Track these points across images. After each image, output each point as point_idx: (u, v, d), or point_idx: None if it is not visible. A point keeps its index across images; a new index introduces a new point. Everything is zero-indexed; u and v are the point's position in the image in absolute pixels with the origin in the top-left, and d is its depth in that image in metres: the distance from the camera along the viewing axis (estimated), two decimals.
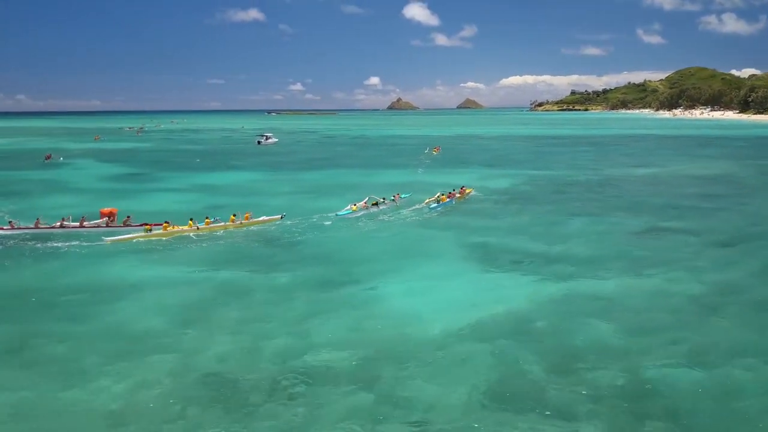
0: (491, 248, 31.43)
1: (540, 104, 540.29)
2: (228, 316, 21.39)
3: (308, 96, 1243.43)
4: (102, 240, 33.14)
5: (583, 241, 32.87)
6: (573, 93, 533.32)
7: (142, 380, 16.37)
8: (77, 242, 32.95)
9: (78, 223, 36.15)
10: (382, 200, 43.90)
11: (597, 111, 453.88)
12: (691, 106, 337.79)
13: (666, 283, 25.10)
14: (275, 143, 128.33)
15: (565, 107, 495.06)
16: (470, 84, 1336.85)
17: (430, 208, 43.20)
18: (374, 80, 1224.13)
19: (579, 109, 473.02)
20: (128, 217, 37.00)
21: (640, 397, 15.32)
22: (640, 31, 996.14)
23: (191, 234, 34.97)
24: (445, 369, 16.98)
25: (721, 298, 23.17)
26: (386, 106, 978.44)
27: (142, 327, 20.38)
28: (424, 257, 29.86)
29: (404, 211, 42.31)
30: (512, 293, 23.71)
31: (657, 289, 24.33)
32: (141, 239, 33.88)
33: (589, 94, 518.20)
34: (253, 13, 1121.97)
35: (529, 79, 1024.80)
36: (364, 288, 24.76)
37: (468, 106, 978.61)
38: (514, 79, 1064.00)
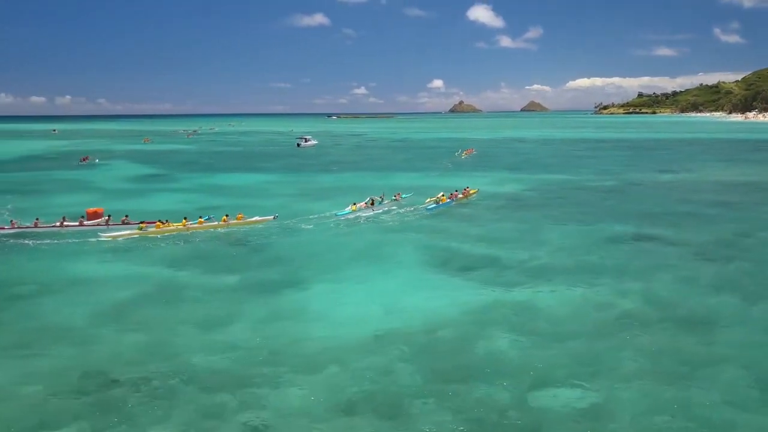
0: (452, 254, 30.78)
1: (605, 107, 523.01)
2: (145, 315, 21.92)
3: (371, 99, 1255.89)
4: (98, 236, 34.83)
5: (550, 249, 31.58)
6: (640, 95, 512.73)
7: (31, 372, 17.10)
8: (66, 240, 34.31)
9: (78, 222, 37.86)
10: (380, 199, 44.33)
11: (665, 114, 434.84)
12: (766, 109, 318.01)
13: (610, 296, 23.74)
14: (314, 146, 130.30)
15: (631, 110, 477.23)
16: (536, 86, 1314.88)
17: (427, 209, 43.44)
18: (437, 83, 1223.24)
19: (646, 113, 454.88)
20: (126, 216, 38.58)
21: (515, 416, 14.71)
22: (717, 30, 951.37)
23: (182, 233, 36.27)
24: (323, 375, 16.86)
25: (654, 313, 21.78)
26: (448, 109, 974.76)
27: (51, 321, 21.39)
28: (376, 262, 29.43)
29: (399, 211, 42.86)
30: (438, 302, 22.92)
31: (598, 302, 23.01)
32: (134, 236, 35.34)
33: (657, 96, 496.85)
34: (318, 18, 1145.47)
35: (598, 81, 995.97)
36: (293, 291, 24.74)
37: (532, 108, 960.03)
38: (582, 82, 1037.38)
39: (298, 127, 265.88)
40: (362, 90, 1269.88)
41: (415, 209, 43.76)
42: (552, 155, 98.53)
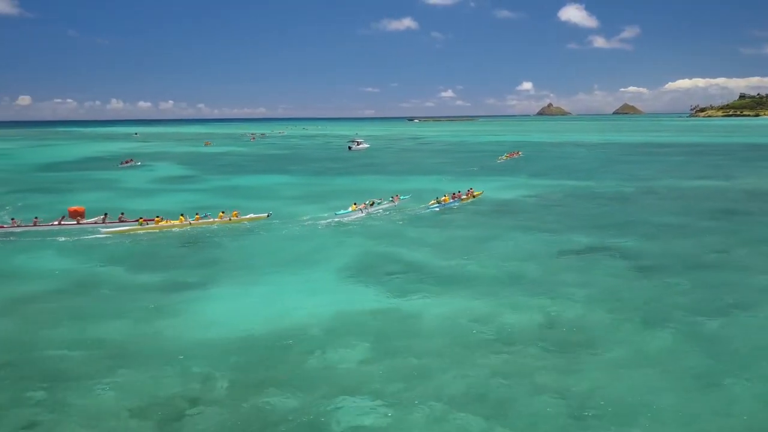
0: (382, 261, 29.51)
1: (702, 110, 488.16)
2: (36, 308, 22.62)
3: (459, 102, 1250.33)
4: (99, 232, 36.26)
5: (493, 260, 29.26)
6: (742, 97, 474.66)
7: None
8: (56, 237, 35.52)
9: (75, 221, 39.31)
10: (379, 201, 45.07)
11: None
12: None
13: (504, 310, 21.90)
14: (365, 149, 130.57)
15: (731, 113, 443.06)
16: (631, 88, 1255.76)
17: (429, 208, 44.09)
18: (527, 85, 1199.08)
19: (748, 115, 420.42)
20: (122, 213, 40.12)
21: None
22: None
23: (180, 228, 37.72)
24: (149, 373, 16.86)
25: (530, 330, 19.74)
26: (536, 112, 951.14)
27: None
28: (302, 266, 28.63)
29: (391, 213, 43.02)
30: (326, 309, 22.12)
31: (486, 314, 21.34)
32: (134, 231, 36.87)
33: (762, 98, 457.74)
34: (407, 22, 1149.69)
35: (700, 82, 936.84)
36: (192, 291, 24.75)
37: (625, 111, 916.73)
38: (682, 83, 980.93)
39: (379, 130, 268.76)
40: (449, 93, 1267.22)
41: (408, 211, 43.84)
42: (594, 160, 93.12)
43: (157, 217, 38.56)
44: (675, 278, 25.65)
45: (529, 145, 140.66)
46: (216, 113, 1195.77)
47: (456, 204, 46.70)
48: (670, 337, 19.15)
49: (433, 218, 41.49)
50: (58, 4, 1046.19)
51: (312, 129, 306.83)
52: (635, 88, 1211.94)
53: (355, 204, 43.27)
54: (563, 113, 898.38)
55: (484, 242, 33.42)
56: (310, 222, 39.82)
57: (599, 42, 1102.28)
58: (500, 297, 23.28)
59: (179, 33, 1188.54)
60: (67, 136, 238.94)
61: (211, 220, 39.32)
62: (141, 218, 38.38)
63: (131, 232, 36.91)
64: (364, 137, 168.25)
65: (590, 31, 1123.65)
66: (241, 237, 35.84)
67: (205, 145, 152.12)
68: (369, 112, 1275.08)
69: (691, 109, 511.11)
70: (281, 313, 21.91)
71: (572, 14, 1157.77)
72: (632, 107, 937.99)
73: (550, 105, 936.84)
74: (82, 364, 17.51)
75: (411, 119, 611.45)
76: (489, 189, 54.33)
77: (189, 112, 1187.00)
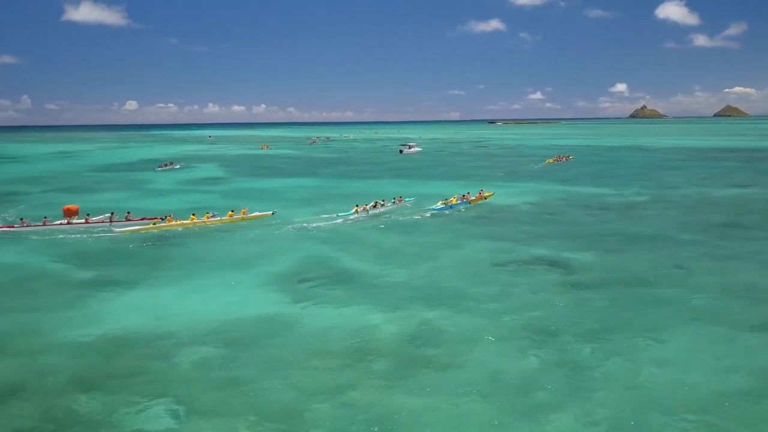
0: (325, 265, 29.43)
1: None
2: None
3: (548, 105, 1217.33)
4: (111, 231, 38.14)
5: (433, 269, 28.39)
6: None
7: None
8: (61, 235, 37.91)
9: (84, 220, 41.63)
10: (382, 202, 45.53)
11: None
12: None
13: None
14: (417, 152, 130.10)
15: None
16: (737, 89, 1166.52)
17: (434, 209, 44.35)
18: (620, 87, 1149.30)
19: None
20: (128, 213, 42.33)
21: None
22: None
23: (190, 227, 39.34)
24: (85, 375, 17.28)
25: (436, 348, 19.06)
26: (628, 115, 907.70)
27: None
28: (239, 267, 29.16)
29: (387, 215, 43.49)
30: (238, 313, 22.35)
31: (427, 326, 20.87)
32: (146, 230, 38.43)
33: None
34: (494, 23, 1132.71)
35: None
36: (130, 290, 25.66)
37: (728, 113, 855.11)
38: None
39: (452, 133, 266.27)
40: (538, 95, 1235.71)
41: (405, 213, 44.16)
42: (643, 165, 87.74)
43: (168, 216, 40.20)
44: (601, 295, 23.90)
45: (591, 148, 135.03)
46: (306, 117, 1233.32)
47: (462, 205, 46.44)
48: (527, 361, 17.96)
49: (411, 223, 40.79)
50: (162, 15, 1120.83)
51: (383, 132, 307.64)
52: (741, 88, 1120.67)
53: (357, 206, 43.61)
54: (657, 116, 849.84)
55: (437, 250, 32.43)
56: (305, 222, 40.39)
57: (701, 40, 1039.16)
58: (400, 307, 22.62)
59: (272, 40, 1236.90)
60: (150, 139, 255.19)
61: (220, 218, 40.87)
62: (145, 217, 40.44)
63: (144, 231, 38.16)
64: (430, 140, 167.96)
65: (691, 29, 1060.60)
66: (213, 236, 36.77)
67: (262, 148, 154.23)
68: (454, 115, 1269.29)
69: None
70: (166, 313, 22.35)
71: (671, 12, 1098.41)
72: (736, 109, 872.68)
73: (643, 107, 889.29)
74: None
75: (492, 122, 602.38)
76: (501, 193, 53.23)
77: (280, 116, 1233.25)
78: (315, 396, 15.68)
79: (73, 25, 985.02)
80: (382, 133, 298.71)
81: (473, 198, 48.43)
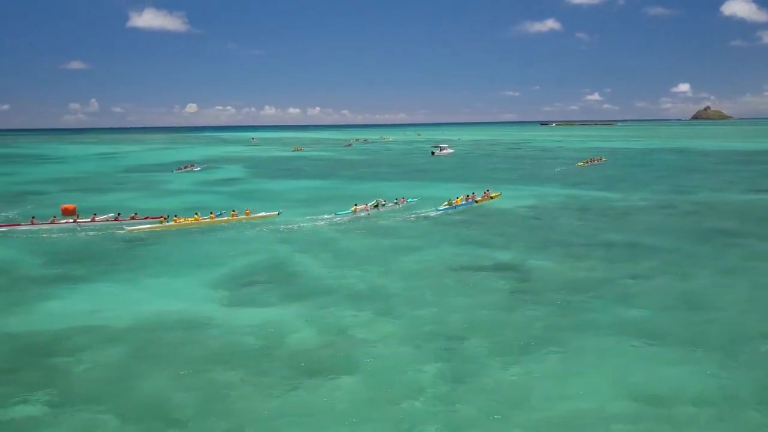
0: (281, 267, 29.47)
1: None
2: None
3: (606, 106, 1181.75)
4: (123, 228, 39.70)
5: (387, 274, 28.07)
6: None
7: None
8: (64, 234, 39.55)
9: (90, 219, 43.18)
10: (383, 203, 46.19)
11: None
12: None
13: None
14: (449, 154, 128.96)
15: None
16: None
17: (439, 210, 44.75)
18: (683, 87, 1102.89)
19: None
20: (135, 213, 44.05)
21: None
22: None
23: (195, 225, 40.62)
24: None
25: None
26: (690, 116, 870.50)
27: None
28: (201, 268, 29.55)
29: (383, 215, 43.85)
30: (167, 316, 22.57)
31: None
32: (154, 229, 39.75)
33: None
34: (550, 23, 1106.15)
35: None
36: (79, 287, 26.56)
37: None
38: None
39: (501, 135, 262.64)
40: (595, 96, 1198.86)
41: (402, 214, 44.52)
42: (671, 168, 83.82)
43: (175, 216, 41.43)
44: (537, 305, 23.03)
45: (629, 150, 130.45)
46: (359, 119, 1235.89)
47: (464, 206, 46.53)
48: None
49: (397, 225, 40.44)
50: (220, 20, 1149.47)
51: (428, 134, 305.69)
52: None
53: (356, 205, 43.98)
54: (722, 117, 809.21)
55: (400, 254, 31.90)
56: (300, 222, 41.22)
57: None
58: (327, 312, 22.52)
59: (326, 44, 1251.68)
60: (197, 141, 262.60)
61: (225, 218, 42.01)
62: (160, 216, 41.88)
63: (152, 230, 39.42)
64: (470, 141, 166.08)
65: (761, 26, 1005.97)
66: (191, 237, 37.56)
67: (294, 150, 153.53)
68: (509, 117, 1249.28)
69: None
70: (97, 310, 22.96)
71: (738, 8, 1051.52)
72: None
73: (707, 108, 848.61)
74: None
75: (544, 123, 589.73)
76: (507, 195, 52.95)
77: (333, 118, 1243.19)
78: (190, 393, 15.93)
79: (137, 31, 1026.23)
80: (427, 134, 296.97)
81: (479, 198, 48.51)
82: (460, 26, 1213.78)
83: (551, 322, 20.96)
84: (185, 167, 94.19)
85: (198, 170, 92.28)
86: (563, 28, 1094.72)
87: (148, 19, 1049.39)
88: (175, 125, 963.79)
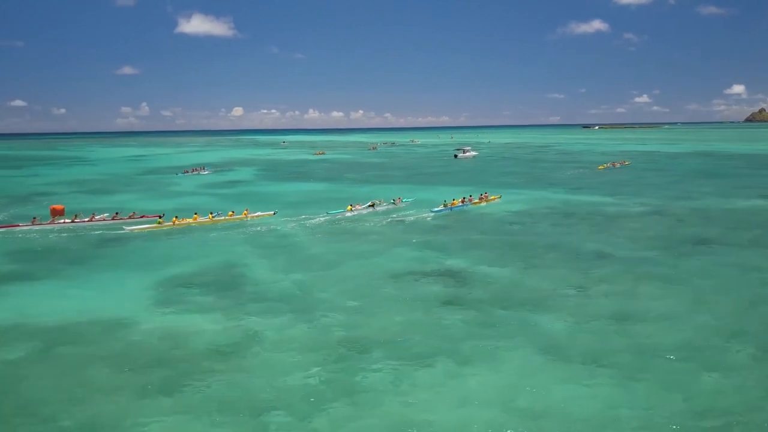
0: (234, 271, 29.55)
1: None
2: None
3: (655, 108, 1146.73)
4: (122, 228, 40.79)
5: (335, 278, 27.86)
6: None
7: None
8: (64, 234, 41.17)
9: (89, 219, 44.49)
10: (379, 202, 47.31)
11: None
12: None
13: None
14: (471, 157, 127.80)
15: None
16: None
17: (435, 211, 45.28)
18: (738, 88, 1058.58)
19: None
20: (134, 212, 45.60)
21: None
22: None
23: (193, 225, 42.00)
24: None
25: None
26: (744, 119, 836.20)
27: None
28: (154, 269, 29.90)
29: (376, 216, 44.37)
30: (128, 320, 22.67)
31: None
32: (153, 229, 40.82)
33: None
34: (596, 24, 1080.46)
35: None
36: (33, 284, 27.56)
37: None
38: None
39: (534, 138, 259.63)
40: (644, 98, 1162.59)
41: (395, 214, 45.03)
42: (689, 173, 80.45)
43: (174, 217, 42.60)
44: (466, 313, 22.39)
45: (658, 154, 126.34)
46: (401, 122, 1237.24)
47: (459, 208, 47.09)
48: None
49: (369, 229, 39.97)
50: (264, 25, 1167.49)
51: (464, 137, 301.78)
52: None
53: (351, 205, 44.83)
54: None
55: (355, 257, 31.67)
56: (293, 222, 42.16)
57: None
58: (249, 316, 22.43)
59: (367, 47, 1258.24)
60: (232, 143, 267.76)
61: (223, 218, 43.31)
62: (158, 215, 43.23)
63: (151, 230, 40.40)
64: (501, 144, 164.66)
65: None
66: (171, 237, 38.41)
67: (315, 154, 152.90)
68: (554, 119, 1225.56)
69: None
70: (33, 308, 23.50)
71: None
72: None
73: (762, 110, 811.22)
74: None
75: (587, 126, 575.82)
76: (505, 198, 53.25)
77: (376, 121, 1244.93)
78: (62, 391, 16.17)
79: (185, 36, 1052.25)
80: (463, 137, 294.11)
81: (475, 201, 49.24)
82: (506, 29, 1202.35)
83: (467, 332, 20.26)
84: (193, 170, 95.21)
85: (206, 173, 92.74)
86: (610, 28, 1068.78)
87: (195, 24, 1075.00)
88: (222, 128, 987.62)
